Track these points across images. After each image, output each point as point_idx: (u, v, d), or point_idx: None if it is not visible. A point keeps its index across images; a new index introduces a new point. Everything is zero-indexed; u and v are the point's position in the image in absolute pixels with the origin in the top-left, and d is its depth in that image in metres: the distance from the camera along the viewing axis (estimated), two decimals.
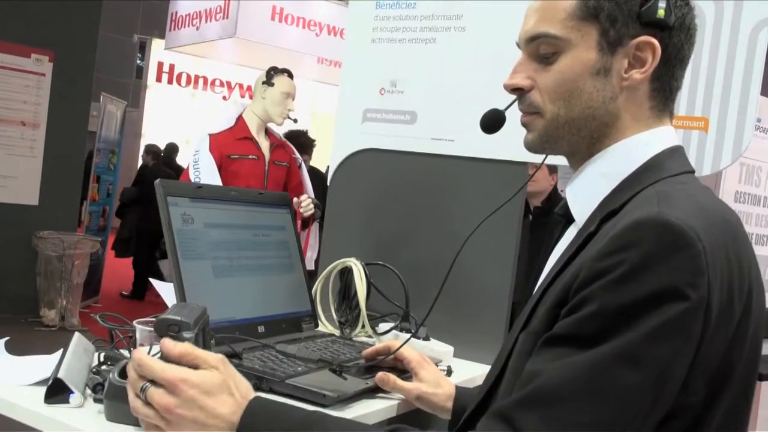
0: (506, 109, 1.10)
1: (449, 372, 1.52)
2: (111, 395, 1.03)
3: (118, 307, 6.86)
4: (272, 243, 1.63)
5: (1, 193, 5.99)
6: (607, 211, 0.92)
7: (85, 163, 6.77)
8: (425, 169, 1.85)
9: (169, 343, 0.95)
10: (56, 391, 1.07)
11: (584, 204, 0.98)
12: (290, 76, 3.70)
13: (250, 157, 3.60)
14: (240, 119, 3.65)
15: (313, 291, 1.77)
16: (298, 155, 3.91)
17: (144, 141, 12.25)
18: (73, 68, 6.20)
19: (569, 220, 1.03)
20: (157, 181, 1.38)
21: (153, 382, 0.94)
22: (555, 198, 3.24)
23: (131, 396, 0.95)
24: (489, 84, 1.73)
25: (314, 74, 10.13)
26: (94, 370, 1.23)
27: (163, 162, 8.53)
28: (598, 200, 0.96)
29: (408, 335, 1.62)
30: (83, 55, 6.30)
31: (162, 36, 10.74)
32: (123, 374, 1.03)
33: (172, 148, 9.30)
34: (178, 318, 1.01)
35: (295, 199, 3.52)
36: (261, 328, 1.50)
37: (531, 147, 1.03)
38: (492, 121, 1.12)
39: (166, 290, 1.36)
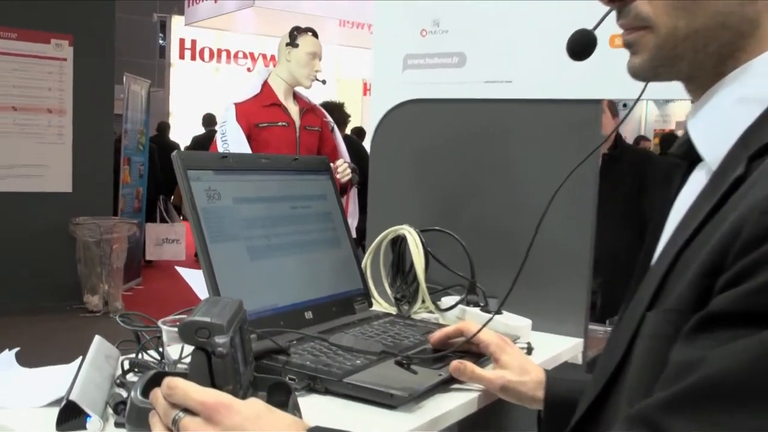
0: (596, 27, 0.87)
1: (529, 350, 1.30)
2: (133, 419, 0.83)
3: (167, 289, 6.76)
4: (313, 215, 1.42)
5: (35, 183, 5.91)
6: (758, 146, 0.68)
7: (115, 146, 6.64)
8: (480, 117, 1.62)
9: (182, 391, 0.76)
10: (70, 414, 0.88)
11: (717, 140, 0.74)
12: (315, 35, 3.47)
13: (280, 124, 3.39)
14: (266, 85, 3.44)
15: (362, 266, 1.57)
16: (329, 119, 3.69)
17: (173, 120, 12.14)
18: (93, 51, 6.05)
19: (692, 162, 0.79)
20: (175, 153, 1.18)
21: (187, 410, 0.75)
22: (621, 144, 2.96)
23: (158, 429, 0.76)
24: (551, 11, 1.48)
25: (337, 38, 9.86)
26: (118, 381, 1.04)
27: (153, 140, 8.11)
28: (737, 133, 0.72)
29: (477, 310, 1.41)
30: (103, 36, 6.15)
31: (181, 13, 10.54)
32: (148, 389, 0.83)
33: (165, 126, 9.27)
34: (208, 320, 0.81)
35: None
36: (308, 314, 1.30)
37: (639, 72, 0.78)
38: (582, 45, 0.88)
39: (195, 279, 1.16)
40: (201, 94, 12.92)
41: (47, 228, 5.81)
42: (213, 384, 0.80)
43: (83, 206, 5.96)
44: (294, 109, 3.49)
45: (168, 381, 0.77)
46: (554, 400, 1.05)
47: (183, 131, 11.03)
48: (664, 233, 0.78)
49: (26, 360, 1.10)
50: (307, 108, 3.56)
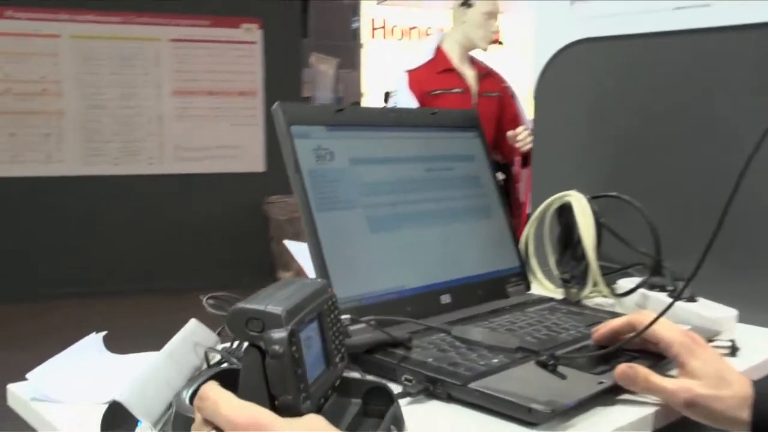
0: None
1: (733, 351, 0.99)
2: (179, 428, 0.66)
3: None
4: (456, 179, 1.18)
5: (231, 163, 6.15)
6: None
7: None
8: (668, 54, 1.29)
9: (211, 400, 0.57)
10: (118, 418, 0.72)
11: None
12: None
13: (455, 90, 3.17)
14: (439, 50, 3.23)
15: (522, 239, 1.31)
16: (509, 84, 3.41)
17: (366, 100, 12.27)
18: (281, 34, 6.15)
19: None
20: (276, 104, 0.99)
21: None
22: None
23: None
24: None
25: None
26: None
27: None
28: None
29: (663, 296, 1.12)
30: (290, 19, 6.25)
31: None
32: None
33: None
34: (261, 308, 0.61)
35: (509, 133, 3.05)
36: (445, 299, 1.07)
37: None
38: None
39: (304, 255, 0.98)
40: (393, 72, 12.97)
41: (242, 206, 6.03)
42: (268, 392, 0.60)
43: (276, 185, 6.09)
44: (470, 75, 3.25)
45: (202, 390, 0.58)
46: (766, 425, 0.75)
47: None
48: None
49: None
50: (484, 73, 3.31)
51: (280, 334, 0.60)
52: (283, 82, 6.15)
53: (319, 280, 0.73)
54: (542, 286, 1.30)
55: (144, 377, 0.75)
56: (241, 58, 6.19)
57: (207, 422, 0.56)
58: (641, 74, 1.34)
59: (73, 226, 5.97)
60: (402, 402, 0.80)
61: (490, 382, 0.80)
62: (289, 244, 1.13)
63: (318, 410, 0.65)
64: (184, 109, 6.20)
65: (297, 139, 0.98)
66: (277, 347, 0.59)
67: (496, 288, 1.16)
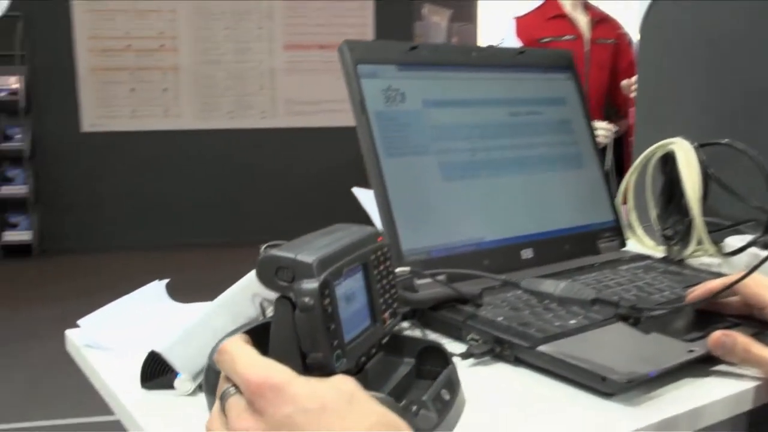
0: None
1: None
2: (209, 387, 0.61)
3: None
4: (544, 124, 1.08)
5: (341, 117, 6.14)
6: None
7: None
8: None
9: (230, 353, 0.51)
10: (159, 369, 0.69)
11: None
12: None
13: (565, 38, 3.00)
14: None
15: (620, 191, 1.20)
16: (626, 30, 3.19)
17: None
18: None
19: None
20: (343, 43, 0.92)
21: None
22: None
23: (213, 407, 0.53)
24: None
25: None
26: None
27: None
28: None
29: None
30: None
31: None
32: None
33: None
34: (292, 256, 0.55)
35: (624, 82, 2.87)
36: (526, 253, 0.99)
37: None
38: None
39: (370, 201, 0.91)
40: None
41: (351, 162, 6.03)
42: (300, 349, 0.55)
43: None
44: (583, 21, 3.07)
45: (223, 344, 0.53)
46: None
47: None
48: None
49: None
50: (598, 19, 3.12)
51: (310, 284, 0.54)
52: (394, 35, 6.07)
53: (368, 227, 0.66)
54: (641, 243, 1.19)
55: (188, 327, 0.72)
56: (353, 11, 6.15)
57: (228, 379, 0.51)
58: (764, 12, 1.19)
59: (187, 178, 6.16)
60: (465, 363, 0.74)
61: (562, 345, 0.72)
62: (357, 191, 1.07)
63: (358, 370, 0.60)
64: (296, 63, 6.24)
65: (364, 78, 0.91)
66: (306, 299, 0.53)
67: (586, 243, 1.07)
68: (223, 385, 0.52)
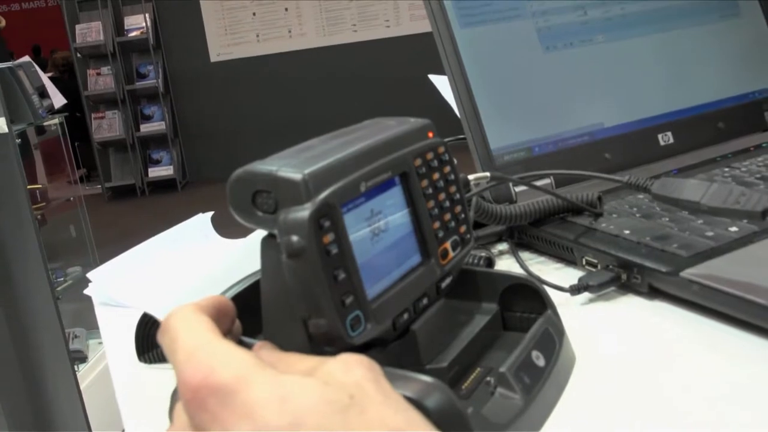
0: None
1: None
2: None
3: None
4: None
5: None
6: None
7: None
8: None
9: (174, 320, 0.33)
10: (154, 339, 0.52)
11: None
12: None
13: None
14: None
15: None
16: None
17: None
18: None
19: None
20: None
21: None
22: None
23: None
24: None
25: None
26: None
27: None
28: None
29: None
30: None
31: None
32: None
33: None
34: (272, 171, 0.36)
35: None
36: (665, 138, 0.74)
37: None
38: None
39: (448, 87, 0.70)
40: None
41: None
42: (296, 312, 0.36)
43: None
44: None
45: (167, 316, 0.34)
46: None
47: None
48: None
49: None
50: None
51: (297, 214, 0.35)
52: None
53: (415, 119, 0.45)
54: None
55: (201, 280, 0.55)
56: None
57: None
58: None
59: (313, 97, 6.07)
60: (577, 300, 0.53)
61: (719, 267, 0.49)
62: (434, 78, 0.85)
63: (400, 334, 0.40)
64: None
65: None
66: (293, 239, 0.34)
67: (749, 118, 0.80)
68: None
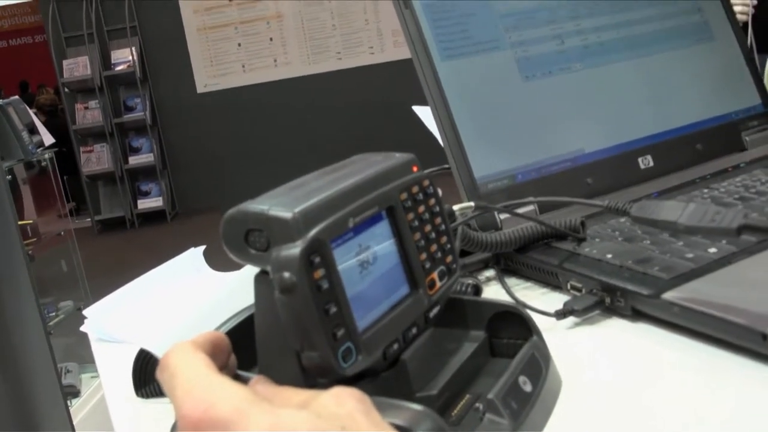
0: None
1: None
2: None
3: None
4: None
5: None
6: None
7: None
8: None
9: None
10: (150, 368, 0.53)
11: None
12: None
13: None
14: None
15: None
16: None
17: None
18: None
19: None
20: None
21: None
22: None
23: None
24: None
25: None
26: None
27: None
28: None
29: None
30: None
31: None
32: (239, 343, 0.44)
33: None
34: (264, 210, 0.37)
35: None
36: (645, 162, 0.76)
37: None
38: None
39: (431, 118, 0.71)
40: None
41: None
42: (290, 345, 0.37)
43: None
44: None
45: (166, 354, 0.36)
46: None
47: None
48: None
49: None
50: None
51: (289, 251, 0.36)
52: None
53: (400, 154, 0.47)
54: None
55: (196, 315, 0.56)
56: None
57: None
58: None
59: (300, 125, 6.10)
60: (563, 324, 0.54)
61: (700, 288, 0.50)
62: (417, 109, 0.87)
63: (391, 363, 0.42)
64: None
65: None
66: (285, 275, 0.36)
67: (726, 138, 0.82)
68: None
